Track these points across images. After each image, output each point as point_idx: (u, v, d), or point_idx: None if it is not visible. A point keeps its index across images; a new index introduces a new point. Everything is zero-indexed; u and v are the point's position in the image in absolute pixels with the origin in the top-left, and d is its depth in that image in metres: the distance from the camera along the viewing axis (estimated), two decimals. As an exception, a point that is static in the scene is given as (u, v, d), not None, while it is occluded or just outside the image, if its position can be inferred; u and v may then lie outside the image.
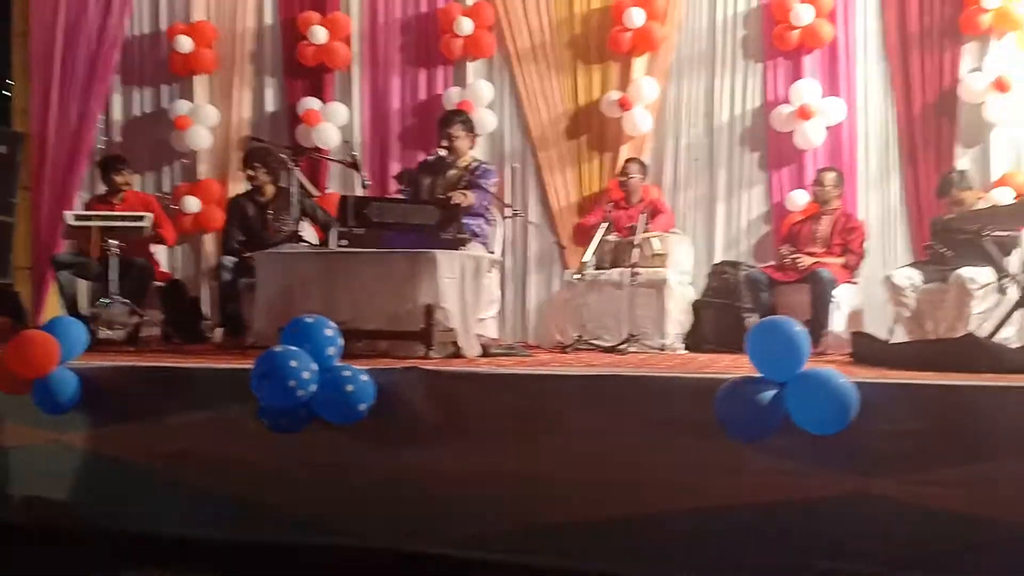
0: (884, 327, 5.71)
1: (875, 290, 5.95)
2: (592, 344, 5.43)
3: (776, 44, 6.67)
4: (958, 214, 5.56)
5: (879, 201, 6.59)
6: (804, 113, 6.47)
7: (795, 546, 2.92)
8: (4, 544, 3.54)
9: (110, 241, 5.49)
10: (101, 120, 7.70)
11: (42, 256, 7.36)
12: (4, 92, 8.56)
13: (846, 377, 2.87)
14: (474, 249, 5.03)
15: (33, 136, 7.56)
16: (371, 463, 3.36)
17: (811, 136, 6.52)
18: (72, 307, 5.93)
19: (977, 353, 3.67)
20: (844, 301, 5.72)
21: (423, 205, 5.04)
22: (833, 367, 3.04)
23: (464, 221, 5.15)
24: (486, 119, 6.95)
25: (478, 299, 4.75)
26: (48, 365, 3.56)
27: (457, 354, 4.46)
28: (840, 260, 5.88)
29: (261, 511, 3.45)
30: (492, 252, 5.51)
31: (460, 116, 5.69)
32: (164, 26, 7.67)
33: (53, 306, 6.88)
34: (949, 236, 5.37)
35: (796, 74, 6.67)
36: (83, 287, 6.18)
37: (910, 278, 5.51)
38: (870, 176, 6.61)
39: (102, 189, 6.65)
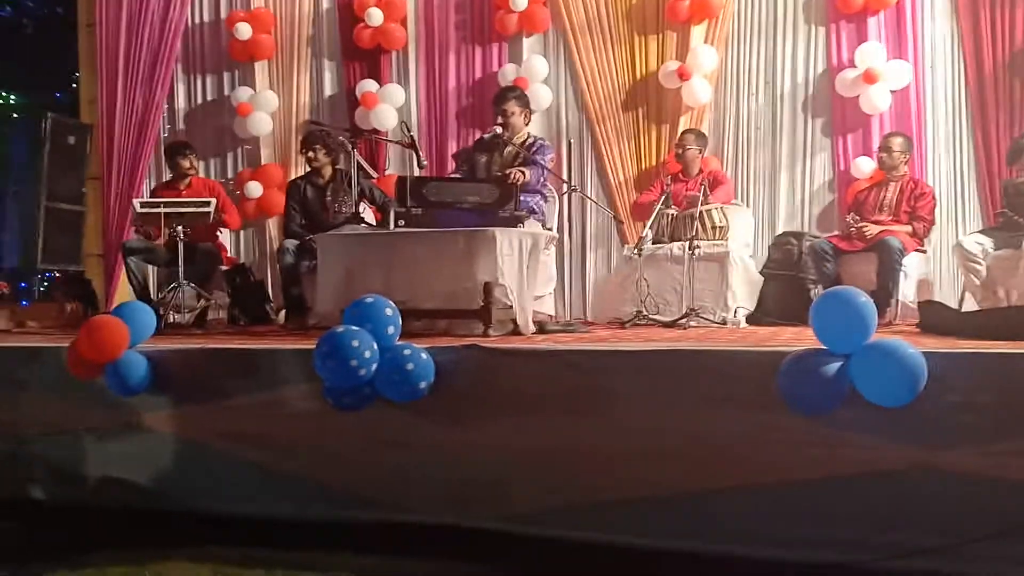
0: (954, 296, 5.56)
1: (944, 258, 5.79)
2: (652, 319, 5.37)
3: (840, 7, 6.50)
4: (1031, 178, 5.39)
5: (948, 166, 6.41)
6: (870, 77, 6.30)
7: (861, 519, 2.87)
8: (78, 524, 3.65)
9: (177, 227, 5.61)
10: (165, 109, 7.85)
11: (112, 243, 7.59)
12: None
13: (914, 347, 2.80)
14: (531, 226, 5.02)
15: (100, 126, 7.75)
16: (431, 440, 3.38)
17: (877, 101, 6.35)
18: (142, 292, 6.08)
19: (1052, 321, 3.56)
20: (912, 270, 5.58)
21: (480, 183, 5.03)
22: (900, 338, 2.96)
23: (521, 198, 5.13)
24: (542, 95, 6.91)
25: (536, 276, 4.74)
26: (118, 349, 3.66)
27: (515, 332, 4.46)
28: (908, 228, 5.71)
29: (324, 489, 3.50)
30: (549, 229, 5.50)
31: (514, 92, 5.68)
32: (224, 14, 7.79)
33: (124, 292, 7.06)
34: (1021, 200, 5.20)
35: (861, 37, 6.49)
36: (152, 273, 6.33)
37: (981, 244, 5.35)
38: (939, 140, 6.43)
39: (168, 176, 6.80)
